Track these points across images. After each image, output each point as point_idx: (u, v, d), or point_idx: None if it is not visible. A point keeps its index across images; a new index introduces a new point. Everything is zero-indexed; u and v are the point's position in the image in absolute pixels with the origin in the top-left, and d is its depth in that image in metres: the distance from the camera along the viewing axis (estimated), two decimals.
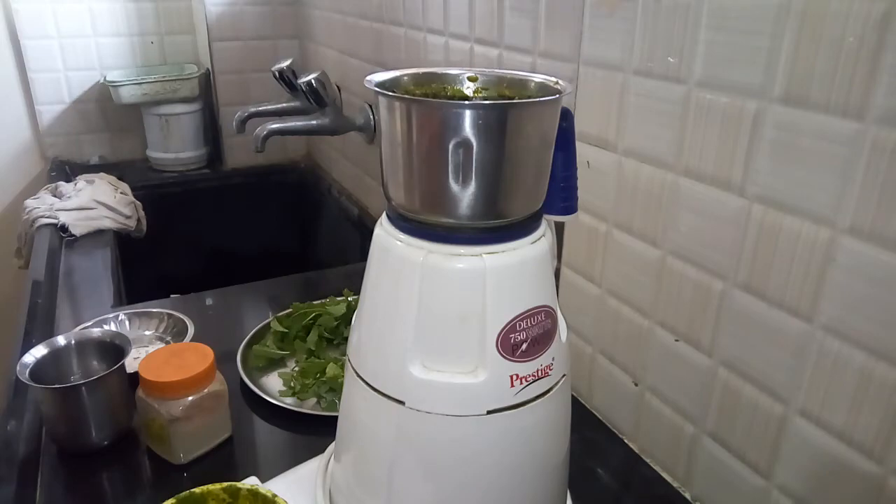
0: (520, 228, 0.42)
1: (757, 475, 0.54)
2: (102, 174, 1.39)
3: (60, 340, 0.69)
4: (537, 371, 0.43)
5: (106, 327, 0.84)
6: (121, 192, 1.32)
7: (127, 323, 0.87)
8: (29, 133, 1.65)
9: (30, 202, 1.25)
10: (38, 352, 0.67)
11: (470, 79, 0.46)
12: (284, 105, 1.31)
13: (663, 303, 0.61)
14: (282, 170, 1.74)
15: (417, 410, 0.42)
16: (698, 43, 0.52)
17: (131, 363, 0.69)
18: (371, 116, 1.19)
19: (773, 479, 0.53)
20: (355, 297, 0.90)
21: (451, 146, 0.38)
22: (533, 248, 0.42)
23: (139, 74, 1.63)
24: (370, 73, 0.43)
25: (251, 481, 0.53)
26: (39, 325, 0.89)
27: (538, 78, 0.44)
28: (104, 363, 0.70)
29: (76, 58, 1.62)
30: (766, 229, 0.49)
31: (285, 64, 1.24)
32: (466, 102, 0.40)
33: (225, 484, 0.49)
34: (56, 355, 0.68)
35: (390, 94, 0.40)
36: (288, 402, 0.73)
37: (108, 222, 1.23)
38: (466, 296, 0.40)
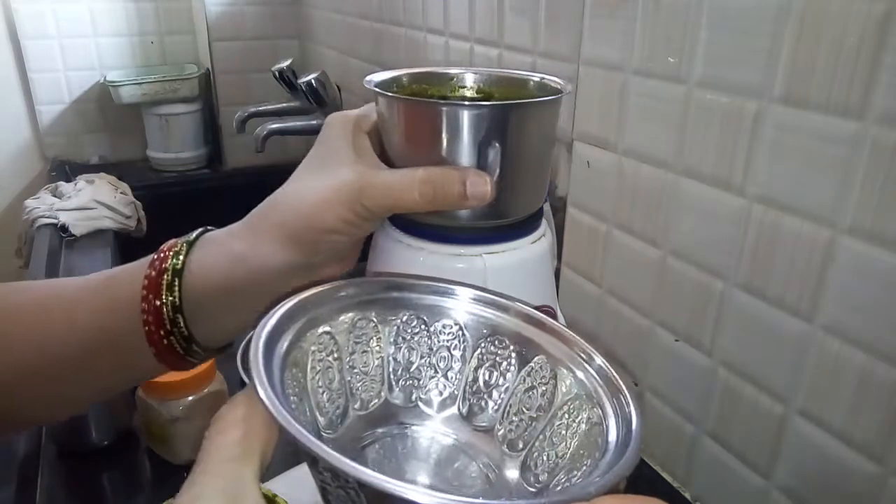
0: (520, 228, 0.42)
1: (757, 475, 0.54)
2: (102, 174, 1.39)
3: None
4: None
5: None
6: (121, 192, 1.32)
7: None
8: (29, 133, 1.65)
9: (30, 202, 1.25)
10: None
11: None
12: (284, 105, 1.31)
13: (663, 303, 0.61)
14: (282, 170, 1.73)
15: None
16: (698, 43, 0.52)
17: None
18: None
19: (773, 479, 0.53)
20: None
21: (451, 146, 0.38)
22: (533, 248, 0.42)
23: (139, 74, 1.63)
24: (370, 73, 0.43)
25: None
26: None
27: (538, 78, 0.44)
28: None
29: (76, 58, 1.61)
30: (766, 229, 0.49)
31: (285, 64, 1.24)
32: (467, 102, 0.40)
33: None
34: None
35: (390, 94, 0.40)
36: None
37: (108, 222, 1.23)
38: None
